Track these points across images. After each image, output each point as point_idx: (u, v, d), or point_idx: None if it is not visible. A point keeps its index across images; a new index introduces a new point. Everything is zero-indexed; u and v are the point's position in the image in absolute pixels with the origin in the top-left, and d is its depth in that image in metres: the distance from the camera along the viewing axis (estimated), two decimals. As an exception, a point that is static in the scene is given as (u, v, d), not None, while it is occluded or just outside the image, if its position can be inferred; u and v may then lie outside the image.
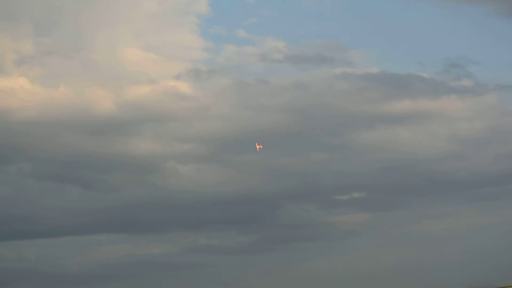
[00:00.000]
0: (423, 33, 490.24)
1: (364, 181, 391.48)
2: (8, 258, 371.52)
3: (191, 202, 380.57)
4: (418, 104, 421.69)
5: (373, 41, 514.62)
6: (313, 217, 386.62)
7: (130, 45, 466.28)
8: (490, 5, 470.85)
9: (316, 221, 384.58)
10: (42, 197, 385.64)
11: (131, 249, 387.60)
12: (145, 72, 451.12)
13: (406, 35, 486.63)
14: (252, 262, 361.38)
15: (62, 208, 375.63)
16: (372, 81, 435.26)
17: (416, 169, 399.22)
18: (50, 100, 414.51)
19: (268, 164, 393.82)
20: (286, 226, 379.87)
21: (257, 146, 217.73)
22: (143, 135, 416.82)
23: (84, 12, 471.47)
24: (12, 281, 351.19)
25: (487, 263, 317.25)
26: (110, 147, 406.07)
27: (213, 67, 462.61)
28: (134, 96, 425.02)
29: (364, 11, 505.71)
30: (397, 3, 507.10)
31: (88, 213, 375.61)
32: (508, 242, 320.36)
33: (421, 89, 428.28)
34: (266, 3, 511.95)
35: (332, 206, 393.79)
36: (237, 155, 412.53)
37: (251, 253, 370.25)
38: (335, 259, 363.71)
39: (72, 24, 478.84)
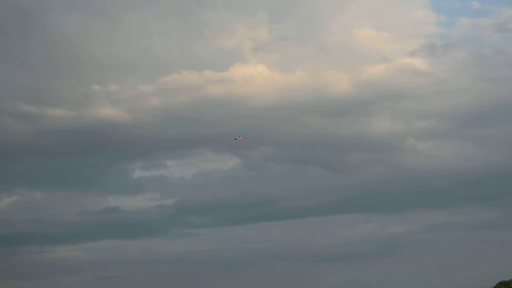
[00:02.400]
0: None
1: None
2: (256, 239, 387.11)
3: (431, 179, 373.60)
4: None
5: None
6: None
7: (363, 26, 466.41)
8: None
9: None
10: (284, 180, 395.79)
11: (374, 229, 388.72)
12: (379, 51, 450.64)
13: None
14: (495, 239, 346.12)
15: (304, 189, 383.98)
16: None
17: None
18: (288, 84, 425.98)
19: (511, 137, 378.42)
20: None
21: (237, 138, 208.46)
22: (380, 114, 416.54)
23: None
24: (258, 260, 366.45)
25: None
26: (348, 128, 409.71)
27: (448, 41, 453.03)
28: (370, 75, 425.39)
29: None
30: None
31: (330, 193, 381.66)
32: None
33: None
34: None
35: None
36: (478, 130, 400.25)
37: (496, 230, 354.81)
38: None
39: (306, 9, 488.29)
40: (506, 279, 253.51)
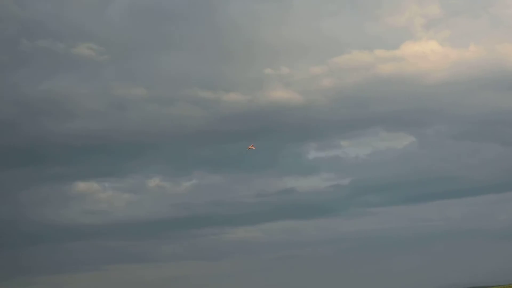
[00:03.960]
0: None
1: None
2: (434, 218, 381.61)
3: None
4: None
5: None
6: None
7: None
8: None
9: None
10: (461, 157, 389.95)
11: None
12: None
13: None
14: None
15: (482, 166, 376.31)
16: None
17: None
18: (461, 60, 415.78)
19: None
20: None
21: (250, 147, 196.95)
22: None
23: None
24: (437, 238, 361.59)
25: None
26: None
27: None
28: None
29: None
30: None
31: (509, 170, 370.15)
32: None
33: None
34: None
35: None
36: None
37: None
38: None
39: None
40: None
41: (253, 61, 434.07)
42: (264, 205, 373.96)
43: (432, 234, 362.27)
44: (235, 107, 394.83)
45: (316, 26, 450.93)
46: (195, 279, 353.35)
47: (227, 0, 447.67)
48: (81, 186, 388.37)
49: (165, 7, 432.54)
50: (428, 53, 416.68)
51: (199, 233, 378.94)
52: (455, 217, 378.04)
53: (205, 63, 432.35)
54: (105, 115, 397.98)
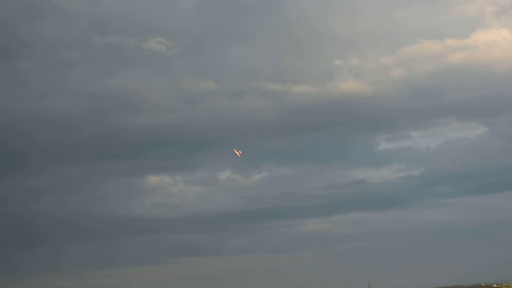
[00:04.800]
0: None
1: None
2: (507, 208, 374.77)
3: None
4: None
5: None
6: None
7: None
8: None
9: None
10: None
11: None
12: None
13: None
14: None
15: None
16: None
17: None
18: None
19: None
20: None
21: (237, 152, 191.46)
22: None
23: None
24: (509, 229, 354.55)
25: None
26: None
27: None
28: None
29: None
30: None
31: None
32: None
33: None
34: None
35: None
36: None
37: None
38: None
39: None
40: None
41: (322, 53, 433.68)
42: (335, 196, 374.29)
43: (505, 224, 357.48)
44: (304, 99, 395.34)
45: (386, 16, 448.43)
46: (266, 272, 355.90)
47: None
48: (153, 179, 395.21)
49: (234, 0, 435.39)
50: (499, 41, 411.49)
51: (270, 225, 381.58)
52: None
53: (274, 55, 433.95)
54: (174, 109, 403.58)
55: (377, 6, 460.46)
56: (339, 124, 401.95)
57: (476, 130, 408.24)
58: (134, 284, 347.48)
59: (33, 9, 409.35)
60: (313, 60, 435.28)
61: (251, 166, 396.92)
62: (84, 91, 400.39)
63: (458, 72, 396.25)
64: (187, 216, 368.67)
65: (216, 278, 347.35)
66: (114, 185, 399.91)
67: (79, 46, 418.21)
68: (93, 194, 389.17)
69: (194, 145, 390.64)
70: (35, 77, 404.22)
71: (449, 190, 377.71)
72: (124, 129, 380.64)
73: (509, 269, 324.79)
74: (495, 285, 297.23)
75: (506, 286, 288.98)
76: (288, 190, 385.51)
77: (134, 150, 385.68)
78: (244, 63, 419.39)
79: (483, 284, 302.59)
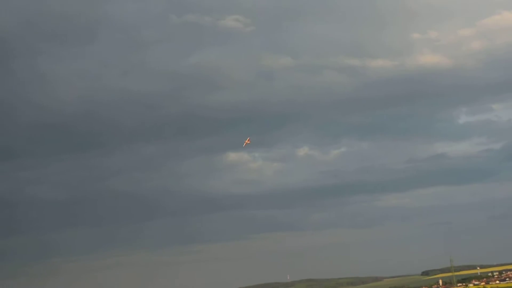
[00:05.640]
0: None
1: None
2: None
3: None
4: None
5: None
6: None
7: None
8: None
9: None
10: None
11: None
12: None
13: None
14: None
15: None
16: None
17: None
18: None
19: None
20: None
21: (246, 141, 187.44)
22: None
23: None
24: None
25: None
26: None
27: None
28: None
29: None
30: None
31: None
32: None
33: None
34: None
35: None
36: None
37: None
38: None
39: None
40: None
41: (400, 27, 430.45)
42: (415, 171, 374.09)
43: None
44: (382, 73, 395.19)
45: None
46: (346, 247, 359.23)
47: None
48: (232, 156, 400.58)
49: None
50: None
51: (349, 200, 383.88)
52: None
53: (351, 30, 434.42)
54: (253, 86, 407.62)
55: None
56: (418, 98, 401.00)
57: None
58: (221, 258, 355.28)
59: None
60: (391, 34, 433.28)
61: (329, 141, 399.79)
62: (162, 70, 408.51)
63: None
64: (266, 192, 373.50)
65: (297, 253, 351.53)
66: (194, 163, 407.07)
67: (157, 26, 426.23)
68: (172, 171, 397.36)
69: (272, 122, 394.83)
70: (115, 57, 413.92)
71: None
72: (203, 107, 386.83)
73: None
74: None
75: None
76: (367, 165, 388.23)
77: (213, 127, 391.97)
78: (321, 39, 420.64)
79: None
